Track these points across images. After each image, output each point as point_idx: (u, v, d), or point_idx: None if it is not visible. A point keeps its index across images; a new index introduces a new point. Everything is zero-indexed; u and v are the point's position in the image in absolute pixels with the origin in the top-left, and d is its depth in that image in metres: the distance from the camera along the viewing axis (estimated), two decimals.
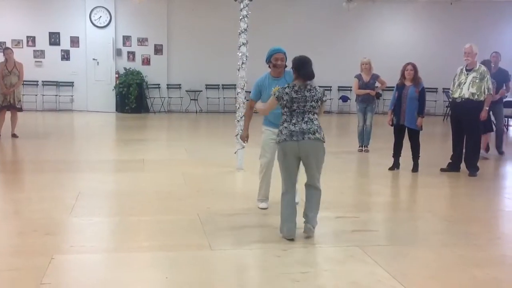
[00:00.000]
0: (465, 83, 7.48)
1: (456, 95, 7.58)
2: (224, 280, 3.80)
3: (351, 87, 13.33)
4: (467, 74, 7.50)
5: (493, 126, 9.51)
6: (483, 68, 7.55)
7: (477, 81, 7.41)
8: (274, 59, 5.27)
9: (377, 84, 9.53)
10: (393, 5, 17.30)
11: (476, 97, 7.41)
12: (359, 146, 9.59)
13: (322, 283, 3.73)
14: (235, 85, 9.63)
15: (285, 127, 4.57)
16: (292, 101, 4.55)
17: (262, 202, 5.53)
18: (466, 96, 7.44)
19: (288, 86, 4.64)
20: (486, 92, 7.44)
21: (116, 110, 15.72)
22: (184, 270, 3.93)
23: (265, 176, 5.43)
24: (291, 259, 4.16)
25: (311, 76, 4.66)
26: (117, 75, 15.67)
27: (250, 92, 5.51)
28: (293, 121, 4.56)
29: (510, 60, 13.01)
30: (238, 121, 7.40)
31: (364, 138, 9.55)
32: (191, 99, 16.25)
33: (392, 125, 7.82)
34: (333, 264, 4.12)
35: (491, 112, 8.52)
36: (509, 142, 12.54)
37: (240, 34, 7.46)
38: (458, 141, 7.74)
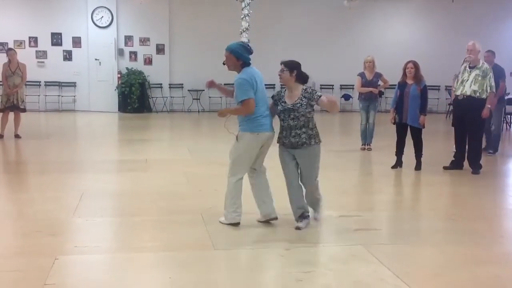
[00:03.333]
0: (467, 80, 7.47)
1: (459, 92, 7.56)
2: (227, 280, 3.81)
3: (353, 85, 13.32)
4: (470, 72, 7.49)
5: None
6: (486, 65, 7.54)
7: (479, 78, 7.40)
8: None
9: (380, 82, 9.52)
10: (395, 3, 17.27)
11: (478, 94, 7.40)
12: (362, 145, 9.58)
13: (325, 282, 3.74)
14: None
15: None
16: None
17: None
18: (468, 93, 7.43)
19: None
20: (488, 90, 7.43)
21: (118, 110, 15.74)
22: (187, 270, 3.93)
23: None
24: (294, 259, 4.17)
25: None
26: (119, 75, 15.69)
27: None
28: None
29: None
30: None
31: (367, 137, 9.54)
32: (193, 99, 16.26)
33: (394, 124, 7.82)
34: (337, 263, 4.12)
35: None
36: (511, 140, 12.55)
37: (241, 33, 7.49)
38: (461, 139, 7.73)
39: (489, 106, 7.53)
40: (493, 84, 7.49)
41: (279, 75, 4.81)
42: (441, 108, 16.79)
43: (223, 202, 5.93)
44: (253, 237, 4.72)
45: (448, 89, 15.15)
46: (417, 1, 17.25)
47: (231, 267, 4.09)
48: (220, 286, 3.71)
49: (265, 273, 3.98)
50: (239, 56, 4.80)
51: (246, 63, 4.84)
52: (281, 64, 4.83)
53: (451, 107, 8.96)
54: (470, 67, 7.53)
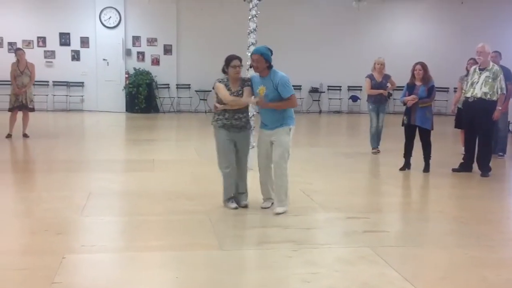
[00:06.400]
0: (477, 82, 7.42)
1: (469, 94, 7.52)
2: (234, 280, 3.80)
3: (361, 86, 13.26)
4: (480, 74, 7.44)
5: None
6: (496, 67, 7.48)
7: (490, 80, 7.35)
8: (251, 60, 5.33)
9: (388, 84, 9.47)
10: (403, 4, 17.22)
11: (488, 96, 7.35)
12: (373, 148, 9.38)
13: (332, 284, 3.71)
14: None
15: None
16: None
17: (264, 202, 5.60)
18: (479, 95, 7.38)
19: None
20: (499, 92, 7.38)
21: (126, 110, 15.78)
22: (194, 270, 3.93)
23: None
24: (301, 260, 4.15)
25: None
26: (127, 75, 15.73)
27: None
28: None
29: None
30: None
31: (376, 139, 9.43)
32: (200, 99, 16.27)
33: (403, 125, 7.78)
34: (344, 265, 4.10)
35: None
36: None
37: (249, 34, 7.44)
38: (471, 141, 7.67)
39: (500, 108, 7.49)
40: (503, 86, 7.44)
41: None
42: (450, 110, 16.69)
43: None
44: (259, 238, 4.71)
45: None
46: (425, 3, 17.18)
47: (238, 267, 4.08)
48: (226, 287, 3.69)
49: (271, 274, 3.96)
50: (268, 59, 5.13)
51: (271, 65, 5.17)
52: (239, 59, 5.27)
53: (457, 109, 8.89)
54: (480, 69, 7.48)
